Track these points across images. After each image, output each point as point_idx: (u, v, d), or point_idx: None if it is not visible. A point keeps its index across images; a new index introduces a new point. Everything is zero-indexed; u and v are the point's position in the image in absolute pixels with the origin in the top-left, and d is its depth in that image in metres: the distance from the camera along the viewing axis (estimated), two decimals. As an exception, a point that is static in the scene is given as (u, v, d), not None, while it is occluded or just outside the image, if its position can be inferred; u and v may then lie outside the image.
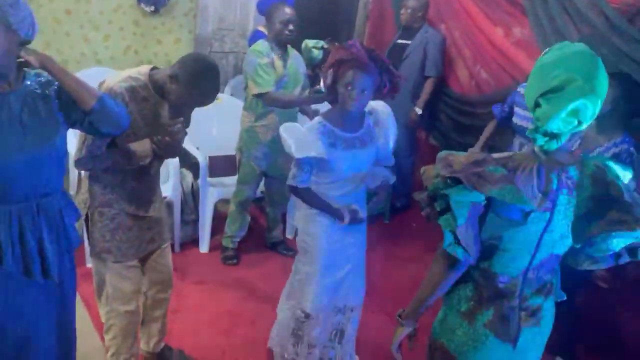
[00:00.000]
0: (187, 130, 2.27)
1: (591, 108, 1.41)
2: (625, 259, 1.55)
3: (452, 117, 4.42)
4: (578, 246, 1.54)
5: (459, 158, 1.51)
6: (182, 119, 2.20)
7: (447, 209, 1.51)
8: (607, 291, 3.14)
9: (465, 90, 4.34)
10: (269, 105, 3.31)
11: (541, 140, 1.47)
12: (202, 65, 2.12)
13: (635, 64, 2.96)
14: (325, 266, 2.48)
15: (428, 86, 4.24)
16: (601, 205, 1.48)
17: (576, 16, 3.30)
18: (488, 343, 1.61)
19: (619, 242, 1.49)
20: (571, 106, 1.39)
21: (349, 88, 2.25)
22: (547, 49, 1.50)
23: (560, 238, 1.57)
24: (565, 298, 1.74)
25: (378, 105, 2.51)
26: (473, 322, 1.62)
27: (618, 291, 3.27)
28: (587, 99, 1.39)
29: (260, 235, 3.97)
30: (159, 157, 2.23)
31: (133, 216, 2.28)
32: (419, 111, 4.24)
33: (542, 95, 1.41)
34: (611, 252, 1.52)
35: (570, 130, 1.45)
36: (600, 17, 3.18)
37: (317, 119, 2.39)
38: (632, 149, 2.49)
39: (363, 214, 2.52)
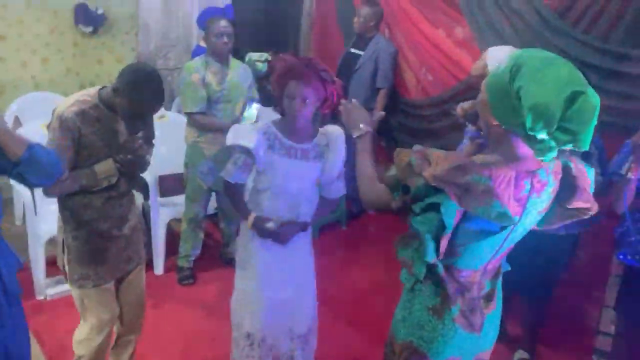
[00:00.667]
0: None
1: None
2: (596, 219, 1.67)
3: (401, 121, 4.46)
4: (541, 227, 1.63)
5: (437, 154, 1.45)
6: (140, 134, 2.23)
7: (427, 212, 1.49)
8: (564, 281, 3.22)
9: (412, 94, 4.39)
10: (195, 126, 3.33)
11: (548, 157, 1.42)
12: (140, 73, 2.11)
13: (568, 58, 3.04)
14: (264, 284, 2.40)
15: (381, 98, 4.25)
16: (562, 196, 1.55)
17: (510, 13, 3.39)
18: (457, 336, 1.63)
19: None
20: (597, 108, 1.33)
21: (292, 98, 2.25)
22: (521, 65, 1.37)
23: (521, 233, 1.60)
24: (509, 269, 1.77)
25: (333, 129, 2.47)
26: (442, 317, 1.63)
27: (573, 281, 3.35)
28: (597, 99, 1.34)
29: (216, 252, 3.91)
30: (125, 175, 2.24)
31: (107, 236, 2.26)
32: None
33: (561, 119, 1.31)
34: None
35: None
36: (533, 13, 3.27)
37: (265, 121, 2.38)
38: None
39: (305, 239, 2.46)
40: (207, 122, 3.32)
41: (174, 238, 3.74)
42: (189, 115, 3.32)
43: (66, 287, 2.87)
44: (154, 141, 2.54)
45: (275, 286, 2.41)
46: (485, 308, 1.69)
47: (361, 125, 1.81)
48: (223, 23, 3.29)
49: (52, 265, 3.16)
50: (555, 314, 3.24)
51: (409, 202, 1.52)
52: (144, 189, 3.67)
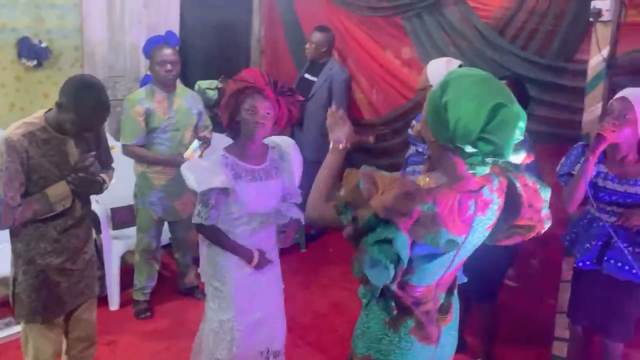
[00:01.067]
0: None
1: (524, 125, 1.41)
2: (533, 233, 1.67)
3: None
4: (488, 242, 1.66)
5: (385, 179, 1.43)
6: (93, 153, 2.21)
7: (381, 243, 1.44)
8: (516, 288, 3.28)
9: (364, 114, 4.45)
10: (130, 157, 3.31)
11: (480, 171, 1.45)
12: (81, 84, 2.11)
13: (510, 73, 3.15)
14: (240, 311, 2.39)
15: None
16: (507, 214, 1.59)
17: (452, 32, 3.49)
18: (414, 349, 1.64)
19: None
20: (519, 123, 1.37)
21: (252, 112, 2.25)
22: (445, 84, 1.43)
23: (470, 249, 1.63)
24: (465, 280, 1.81)
25: (280, 140, 2.51)
26: (398, 330, 1.64)
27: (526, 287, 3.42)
28: (522, 117, 1.38)
29: (174, 283, 3.82)
30: (80, 196, 2.21)
31: (60, 270, 2.21)
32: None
33: (481, 132, 1.35)
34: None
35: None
36: (473, 31, 3.38)
37: (219, 152, 2.36)
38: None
39: (273, 253, 2.47)
40: (141, 153, 3.29)
41: (130, 271, 3.64)
42: (124, 146, 3.29)
43: (17, 328, 2.78)
44: (113, 165, 2.53)
45: (250, 311, 2.40)
46: (441, 321, 1.70)
47: (340, 146, 1.78)
48: (166, 51, 3.28)
49: (3, 306, 3.05)
50: (512, 322, 3.29)
51: (360, 232, 1.48)
52: (96, 223, 3.59)
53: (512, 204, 1.58)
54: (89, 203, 2.36)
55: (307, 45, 4.32)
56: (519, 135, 1.39)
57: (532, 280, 3.48)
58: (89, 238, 2.38)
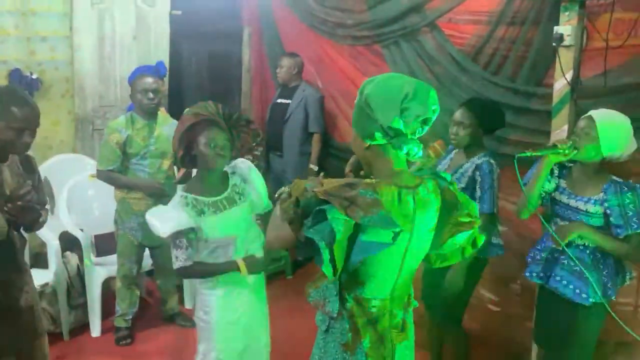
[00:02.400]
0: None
1: (436, 96, 1.58)
2: (469, 251, 1.77)
3: (337, 166, 4.55)
4: (433, 252, 1.74)
5: (331, 180, 1.56)
6: (29, 182, 2.18)
7: (317, 224, 1.51)
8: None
9: (346, 140, 4.51)
10: (104, 182, 3.37)
11: (414, 149, 1.58)
12: (2, 91, 2.13)
13: (483, 97, 3.20)
14: (222, 340, 2.39)
15: (315, 143, 4.39)
16: (446, 213, 1.67)
17: (428, 59, 3.57)
18: None
19: (462, 236, 1.71)
20: (430, 91, 1.55)
21: (211, 145, 2.26)
22: (362, 88, 1.60)
23: (417, 253, 1.67)
24: (417, 305, 1.83)
25: (239, 162, 2.51)
26: (355, 353, 1.66)
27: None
28: (431, 89, 1.57)
29: (157, 310, 3.84)
30: (16, 225, 2.16)
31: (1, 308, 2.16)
32: (315, 168, 4.35)
33: (403, 101, 1.52)
34: (458, 246, 1.74)
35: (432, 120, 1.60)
36: (448, 58, 3.45)
37: (177, 194, 2.37)
38: (491, 160, 2.71)
39: (258, 282, 2.47)
40: (114, 177, 3.34)
41: (113, 298, 3.67)
42: (98, 171, 3.36)
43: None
44: (72, 191, 2.53)
45: (234, 340, 2.40)
46: (396, 338, 1.71)
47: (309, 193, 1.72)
48: (148, 79, 3.34)
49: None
50: (493, 346, 3.27)
51: (300, 215, 1.55)
52: (80, 249, 3.63)
53: (450, 202, 1.68)
54: (25, 231, 2.30)
55: (278, 70, 4.46)
56: (434, 102, 1.55)
57: (514, 304, 3.47)
58: (26, 271, 2.31)
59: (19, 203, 2.07)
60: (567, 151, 2.23)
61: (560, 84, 2.65)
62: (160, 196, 3.27)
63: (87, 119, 4.51)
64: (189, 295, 3.93)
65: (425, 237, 1.66)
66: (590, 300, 2.27)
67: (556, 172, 2.41)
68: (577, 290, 2.29)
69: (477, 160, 2.72)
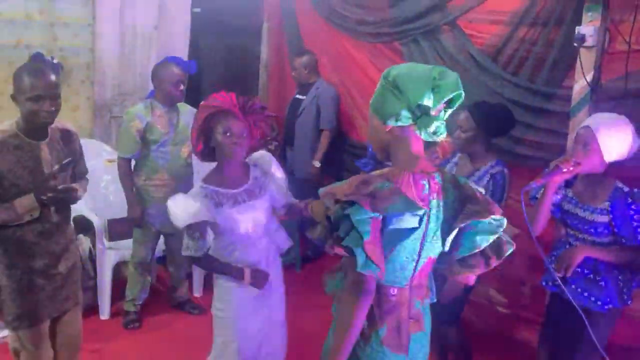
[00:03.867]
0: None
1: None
2: (495, 261, 1.69)
3: (349, 161, 4.55)
4: (447, 250, 1.67)
5: (342, 186, 1.57)
6: (68, 160, 2.25)
7: (349, 231, 1.53)
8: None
9: (363, 138, 4.50)
10: (119, 171, 3.41)
11: (441, 128, 1.59)
12: (16, 70, 2.21)
13: (500, 97, 3.19)
14: (243, 334, 2.37)
15: (324, 139, 4.39)
16: (461, 205, 1.64)
17: (447, 58, 3.55)
18: (385, 358, 1.66)
19: (482, 239, 1.63)
20: (457, 78, 1.56)
21: (228, 134, 2.26)
22: (386, 73, 1.62)
23: (434, 241, 1.66)
24: (435, 300, 1.82)
25: (259, 155, 2.52)
26: (369, 341, 1.66)
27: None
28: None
29: (166, 297, 3.86)
30: (52, 207, 2.23)
31: (42, 274, 2.23)
32: (317, 164, 4.36)
33: (434, 79, 1.53)
34: (477, 250, 1.65)
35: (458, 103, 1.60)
36: (468, 57, 3.44)
37: (197, 185, 2.38)
38: (505, 170, 2.67)
39: (276, 271, 2.47)
40: (125, 174, 3.39)
41: (122, 282, 3.69)
42: (119, 158, 3.41)
43: (6, 332, 2.82)
44: (88, 176, 2.59)
45: (253, 333, 2.39)
46: (411, 327, 1.71)
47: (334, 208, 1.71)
48: (177, 70, 3.38)
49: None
50: (502, 349, 3.25)
51: (334, 230, 1.56)
52: (93, 233, 3.66)
53: (468, 196, 1.65)
54: (66, 209, 2.38)
55: (293, 73, 4.49)
56: (460, 87, 1.56)
57: (523, 306, 3.44)
58: (70, 244, 2.39)
59: (51, 195, 2.15)
60: (570, 168, 2.21)
61: (580, 85, 2.63)
62: (137, 224, 3.38)
63: (105, 106, 4.55)
64: (198, 283, 3.96)
65: (442, 225, 1.65)
66: (606, 307, 2.26)
67: (563, 182, 2.38)
68: (592, 298, 2.27)
69: (491, 169, 2.68)
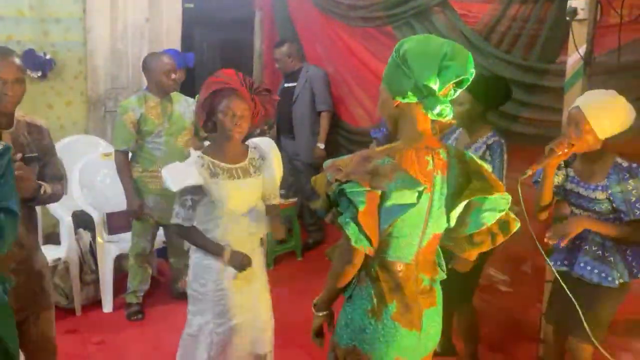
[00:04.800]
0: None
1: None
2: (500, 239, 1.71)
3: (348, 148, 4.55)
4: (452, 226, 1.69)
5: (345, 160, 1.59)
6: (23, 155, 2.10)
7: (347, 207, 1.56)
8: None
9: (358, 123, 4.51)
10: (115, 164, 3.40)
11: (446, 110, 1.58)
12: None
13: (493, 75, 3.19)
14: (219, 315, 2.38)
15: (324, 121, 4.40)
16: (466, 181, 1.63)
17: (440, 38, 3.54)
18: (398, 335, 1.66)
19: (489, 216, 1.65)
20: (468, 53, 1.55)
21: (227, 114, 2.28)
22: (399, 45, 1.60)
23: (439, 217, 1.67)
24: (444, 277, 1.82)
25: (261, 141, 2.55)
26: (380, 318, 1.66)
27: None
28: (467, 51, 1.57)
29: (167, 288, 3.87)
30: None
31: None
32: (322, 146, 4.38)
33: (442, 60, 1.51)
34: (485, 227, 1.66)
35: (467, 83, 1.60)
36: (460, 36, 3.43)
37: (194, 154, 2.39)
38: (502, 140, 2.69)
39: (256, 255, 2.47)
40: (122, 167, 3.39)
41: (124, 275, 3.70)
42: (115, 151, 3.42)
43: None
44: (85, 171, 2.54)
45: (230, 314, 2.39)
46: (423, 304, 1.71)
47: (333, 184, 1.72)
48: (167, 60, 3.39)
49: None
50: (503, 326, 3.27)
51: (332, 206, 1.62)
52: (93, 226, 3.66)
53: (474, 171, 1.66)
54: (31, 210, 2.24)
55: (277, 64, 4.50)
56: (472, 64, 1.56)
57: (523, 284, 3.46)
58: (33, 248, 2.25)
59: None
60: (565, 150, 2.21)
61: (573, 59, 2.63)
62: (136, 217, 3.36)
63: (99, 101, 4.54)
64: (199, 274, 3.96)
65: (446, 201, 1.65)
66: (617, 282, 2.28)
67: (562, 162, 2.38)
68: (603, 274, 2.29)
69: (487, 140, 2.70)
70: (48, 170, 2.27)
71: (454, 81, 1.55)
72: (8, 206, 1.73)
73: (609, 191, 2.24)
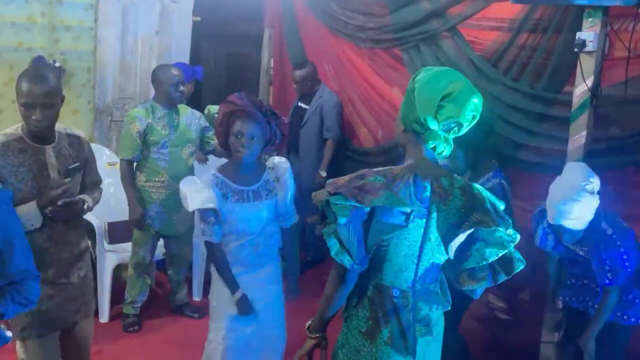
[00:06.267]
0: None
1: (479, 105, 1.62)
2: (502, 277, 1.68)
3: (353, 169, 4.54)
4: (453, 258, 1.66)
5: (346, 178, 1.64)
6: (67, 180, 2.17)
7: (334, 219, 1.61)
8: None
9: (363, 143, 4.53)
10: (121, 172, 3.41)
11: (441, 147, 1.65)
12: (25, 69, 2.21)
13: (500, 102, 3.22)
14: (230, 329, 2.43)
15: (328, 149, 4.40)
16: (469, 213, 1.64)
17: (447, 63, 3.57)
18: (390, 359, 1.67)
19: (491, 252, 1.63)
20: (473, 98, 1.59)
21: (239, 136, 2.35)
22: (417, 73, 1.68)
23: (437, 246, 1.67)
24: (448, 308, 1.81)
25: (279, 161, 2.59)
26: (375, 341, 1.68)
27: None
28: (476, 95, 1.60)
29: (165, 300, 3.85)
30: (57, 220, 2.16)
31: (52, 283, 2.18)
32: (324, 174, 4.37)
33: (441, 100, 1.57)
34: (486, 264, 1.65)
35: (467, 126, 1.63)
36: (468, 62, 3.47)
37: (211, 172, 2.45)
38: (503, 181, 2.72)
39: (271, 271, 2.54)
40: (126, 175, 3.39)
41: (122, 285, 3.68)
42: (121, 160, 3.43)
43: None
44: (109, 181, 2.56)
45: (243, 324, 2.44)
46: (418, 332, 1.71)
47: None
48: (175, 72, 3.41)
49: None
50: (502, 354, 3.25)
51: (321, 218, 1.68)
52: (92, 235, 3.65)
53: (479, 205, 1.65)
54: (77, 218, 2.31)
55: (295, 85, 4.49)
56: (475, 109, 1.59)
57: (523, 312, 3.45)
58: (83, 253, 2.34)
59: (52, 208, 2.10)
60: None
61: (581, 90, 2.66)
62: (137, 226, 3.37)
63: (106, 110, 4.56)
64: (197, 287, 3.95)
65: (447, 231, 1.65)
66: (635, 321, 2.39)
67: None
68: (619, 313, 2.39)
69: (487, 182, 2.71)
70: (88, 178, 2.38)
71: (451, 123, 1.59)
72: (27, 268, 1.82)
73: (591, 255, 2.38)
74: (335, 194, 1.58)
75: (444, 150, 1.66)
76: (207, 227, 2.36)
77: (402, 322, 1.68)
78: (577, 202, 2.22)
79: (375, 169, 1.66)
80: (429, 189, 1.63)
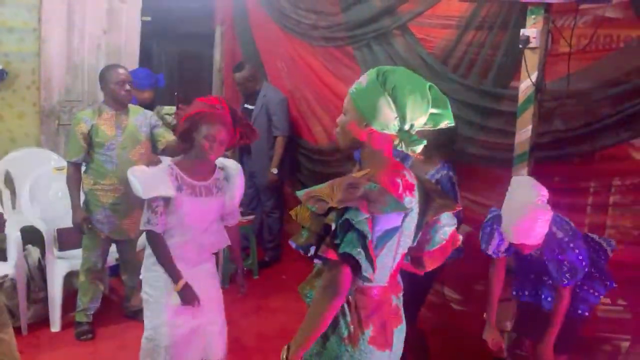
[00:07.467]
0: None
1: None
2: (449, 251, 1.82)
3: (308, 167, 4.57)
4: (415, 244, 1.77)
5: (323, 189, 1.59)
6: None
7: (346, 236, 1.56)
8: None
9: (318, 142, 4.54)
10: (67, 175, 3.33)
11: (414, 145, 1.64)
12: None
13: (450, 99, 3.25)
14: (172, 324, 2.43)
15: (278, 146, 4.41)
16: (429, 199, 1.74)
17: (399, 61, 3.62)
18: (373, 358, 1.69)
19: (447, 231, 1.80)
20: (428, 97, 1.62)
21: (209, 139, 2.36)
22: (386, 72, 1.62)
23: (408, 238, 1.72)
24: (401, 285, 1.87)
25: (229, 162, 2.65)
26: (357, 344, 1.68)
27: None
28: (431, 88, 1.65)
29: (119, 307, 3.77)
30: None
31: None
32: (275, 171, 4.38)
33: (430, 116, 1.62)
34: (444, 241, 1.79)
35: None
36: (419, 60, 3.52)
37: (166, 162, 2.48)
38: (450, 173, 2.78)
39: (209, 268, 2.57)
40: (71, 177, 3.30)
41: (74, 293, 3.58)
42: (67, 162, 3.34)
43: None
44: (36, 184, 2.48)
45: (184, 317, 2.44)
46: (393, 323, 1.76)
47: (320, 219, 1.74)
48: (122, 71, 3.33)
49: None
50: (458, 344, 3.31)
51: (333, 237, 1.59)
52: (42, 242, 3.54)
53: (432, 189, 1.79)
54: None
55: (237, 87, 4.51)
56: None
57: (478, 301, 3.52)
58: None
59: None
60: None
61: (525, 85, 2.72)
62: (80, 230, 3.29)
63: (53, 113, 4.42)
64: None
65: (412, 220, 1.71)
66: (584, 313, 2.48)
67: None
68: (571, 308, 2.44)
69: (436, 173, 2.77)
70: None
71: (441, 122, 1.66)
72: None
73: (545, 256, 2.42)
74: (345, 209, 1.54)
75: (417, 147, 1.64)
76: (153, 217, 2.37)
77: (382, 318, 1.71)
78: (534, 220, 2.24)
79: (354, 176, 1.61)
80: (401, 185, 1.65)
